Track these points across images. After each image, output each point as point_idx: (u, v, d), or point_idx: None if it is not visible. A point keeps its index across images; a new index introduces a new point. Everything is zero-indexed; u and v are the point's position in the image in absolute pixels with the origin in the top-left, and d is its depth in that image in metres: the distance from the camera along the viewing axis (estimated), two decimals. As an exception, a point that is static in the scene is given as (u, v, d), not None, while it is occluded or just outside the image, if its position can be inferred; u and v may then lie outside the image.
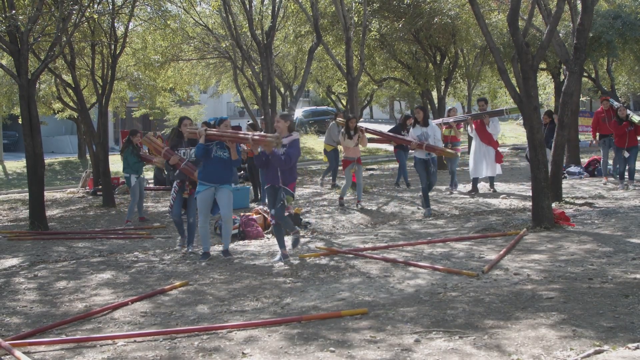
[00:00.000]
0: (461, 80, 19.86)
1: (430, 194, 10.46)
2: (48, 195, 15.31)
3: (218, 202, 7.35)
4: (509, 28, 8.44)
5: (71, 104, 16.64)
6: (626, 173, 12.17)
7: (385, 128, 16.05)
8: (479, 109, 12.03)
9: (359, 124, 11.42)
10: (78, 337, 4.64)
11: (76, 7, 10.68)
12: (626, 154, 11.95)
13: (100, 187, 15.24)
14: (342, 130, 11.08)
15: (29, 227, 10.46)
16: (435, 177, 10.17)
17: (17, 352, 4.20)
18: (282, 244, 7.13)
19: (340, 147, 12.32)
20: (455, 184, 12.65)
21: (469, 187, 12.37)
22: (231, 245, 8.40)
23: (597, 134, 12.95)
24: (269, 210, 7.44)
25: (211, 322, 4.86)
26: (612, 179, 12.58)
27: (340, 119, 12.40)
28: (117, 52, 13.55)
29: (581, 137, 21.23)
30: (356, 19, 14.95)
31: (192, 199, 7.76)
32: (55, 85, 17.05)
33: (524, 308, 4.70)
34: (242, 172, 15.02)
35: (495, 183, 12.23)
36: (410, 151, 12.11)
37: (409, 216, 10.09)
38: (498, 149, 12.07)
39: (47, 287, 6.41)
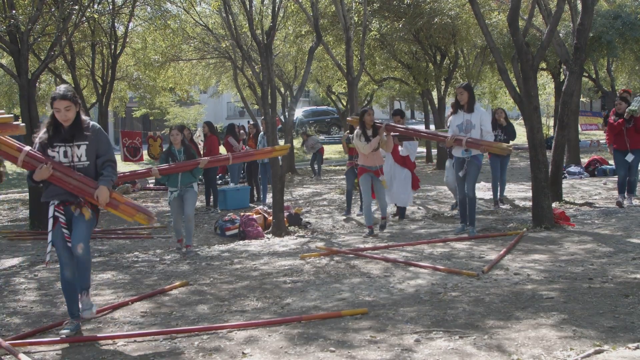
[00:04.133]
0: (461, 80, 19.87)
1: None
2: (48, 195, 15.28)
3: None
4: (509, 28, 8.44)
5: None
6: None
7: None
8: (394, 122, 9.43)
9: (379, 122, 8.80)
10: (78, 337, 4.63)
11: (76, 7, 10.68)
12: (630, 157, 9.55)
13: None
14: (357, 130, 8.47)
15: (29, 227, 10.46)
16: (471, 182, 7.78)
17: (18, 352, 4.19)
18: None
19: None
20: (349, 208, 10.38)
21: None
22: (232, 245, 8.44)
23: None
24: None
25: (211, 322, 4.86)
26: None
27: (351, 117, 9.51)
28: (117, 52, 13.57)
29: (581, 137, 21.26)
30: (356, 18, 14.94)
31: (82, 223, 4.60)
32: (55, 85, 17.05)
33: (524, 308, 4.70)
34: (242, 172, 15.04)
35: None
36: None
37: (408, 216, 10.07)
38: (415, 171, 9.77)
39: (47, 287, 6.41)
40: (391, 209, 10.02)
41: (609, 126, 9.75)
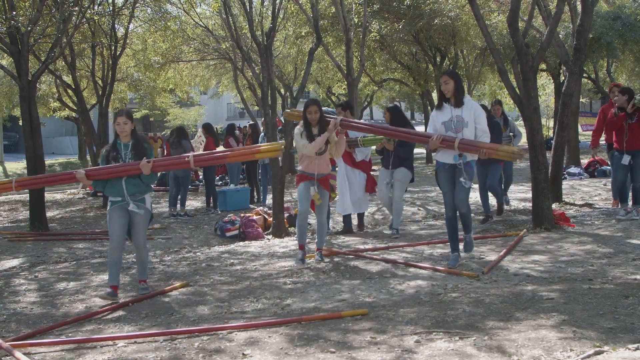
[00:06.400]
0: (461, 81, 19.87)
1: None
2: (48, 196, 15.30)
3: None
4: (509, 29, 8.44)
5: (71, 104, 16.66)
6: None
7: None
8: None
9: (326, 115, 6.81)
10: (78, 338, 4.63)
11: (76, 8, 10.69)
12: (625, 160, 8.34)
13: (100, 188, 15.21)
14: (299, 127, 6.72)
15: (29, 228, 10.46)
16: (464, 195, 6.02)
17: (18, 353, 4.19)
18: None
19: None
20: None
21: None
22: (232, 246, 8.43)
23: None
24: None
25: (212, 323, 4.86)
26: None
27: (291, 110, 7.73)
28: (118, 54, 13.58)
29: (581, 138, 21.26)
30: (356, 20, 14.96)
31: None
32: (55, 86, 17.07)
33: (524, 309, 4.70)
34: (242, 173, 15.05)
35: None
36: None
37: (409, 217, 10.07)
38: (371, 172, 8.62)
39: (47, 288, 6.41)
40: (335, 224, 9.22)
41: (608, 123, 8.49)
